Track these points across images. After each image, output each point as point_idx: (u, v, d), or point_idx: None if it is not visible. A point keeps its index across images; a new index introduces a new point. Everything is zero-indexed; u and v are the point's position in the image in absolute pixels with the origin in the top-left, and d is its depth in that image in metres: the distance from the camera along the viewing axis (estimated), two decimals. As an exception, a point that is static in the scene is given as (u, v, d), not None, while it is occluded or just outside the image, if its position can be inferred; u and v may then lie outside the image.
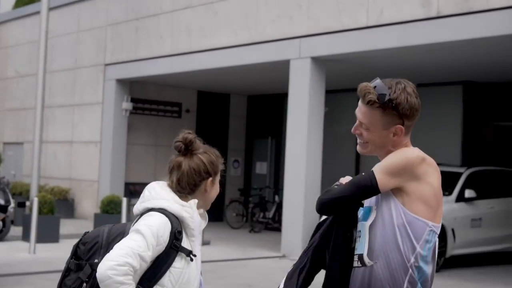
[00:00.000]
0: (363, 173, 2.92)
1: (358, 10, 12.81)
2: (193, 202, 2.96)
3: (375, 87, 2.85)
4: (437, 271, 12.35)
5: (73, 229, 15.86)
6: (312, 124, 13.70)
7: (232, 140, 21.21)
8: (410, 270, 2.80)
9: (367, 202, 2.98)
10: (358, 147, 3.02)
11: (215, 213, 19.69)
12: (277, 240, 15.53)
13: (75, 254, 3.00)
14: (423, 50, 12.33)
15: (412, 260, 2.80)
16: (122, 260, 2.72)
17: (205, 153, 3.01)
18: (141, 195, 3.01)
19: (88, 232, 3.08)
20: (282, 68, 14.88)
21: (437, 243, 2.90)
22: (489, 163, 15.21)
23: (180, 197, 2.96)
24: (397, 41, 12.23)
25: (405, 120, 2.88)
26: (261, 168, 20.99)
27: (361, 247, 2.88)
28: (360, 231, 2.91)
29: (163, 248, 2.83)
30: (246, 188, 20.62)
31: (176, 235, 2.85)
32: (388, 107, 2.83)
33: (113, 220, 14.32)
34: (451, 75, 15.54)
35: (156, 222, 2.83)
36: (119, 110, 18.49)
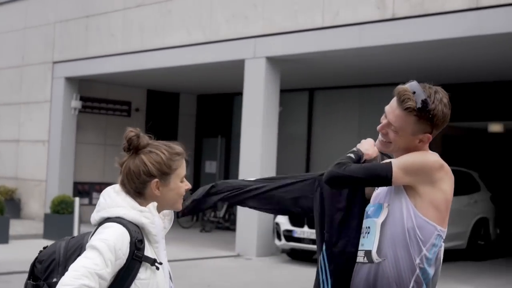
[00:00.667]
0: (382, 162, 2.92)
1: (314, 11, 12.91)
2: (152, 205, 2.74)
3: (414, 92, 2.85)
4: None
5: (22, 230, 15.52)
6: (267, 123, 13.75)
7: (182, 139, 20.85)
8: (417, 270, 2.85)
9: (377, 199, 3.00)
10: (378, 144, 3.00)
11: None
12: (229, 239, 15.53)
13: (32, 274, 2.77)
14: (378, 51, 12.49)
15: (418, 261, 2.85)
16: (77, 283, 2.49)
17: (150, 153, 2.76)
18: (97, 203, 2.80)
19: (44, 248, 2.84)
20: (233, 68, 14.90)
21: (442, 248, 2.96)
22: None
23: (139, 202, 2.75)
24: (353, 42, 12.37)
25: (435, 129, 2.90)
26: (211, 167, 20.96)
27: (369, 243, 2.90)
28: (369, 227, 2.93)
29: (124, 261, 2.62)
30: (196, 187, 20.47)
31: (136, 244, 2.64)
32: (424, 117, 2.84)
33: (64, 221, 14.09)
34: (400, 77, 15.75)
35: (113, 234, 2.61)
36: (67, 109, 18.20)
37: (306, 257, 13.50)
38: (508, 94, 15.26)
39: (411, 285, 2.85)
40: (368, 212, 2.98)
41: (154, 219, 2.73)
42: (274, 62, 13.79)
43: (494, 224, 14.92)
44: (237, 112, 19.80)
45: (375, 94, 17.06)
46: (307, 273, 12.01)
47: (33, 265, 2.77)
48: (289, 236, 13.05)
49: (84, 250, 2.66)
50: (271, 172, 13.81)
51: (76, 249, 2.74)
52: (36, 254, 2.82)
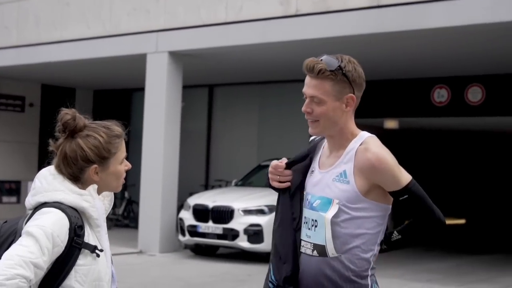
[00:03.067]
0: (413, 182, 2.87)
1: (217, 6, 12.90)
2: (92, 188, 2.60)
3: (321, 60, 2.86)
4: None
5: None
6: (169, 119, 13.64)
7: (78, 136, 20.57)
8: (372, 258, 2.87)
9: (317, 190, 2.91)
10: (310, 130, 2.94)
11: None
12: (130, 237, 15.31)
13: None
14: (281, 47, 12.63)
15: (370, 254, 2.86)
16: (10, 273, 2.33)
17: (88, 137, 2.61)
18: (32, 185, 2.63)
19: None
20: (133, 62, 14.70)
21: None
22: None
23: (77, 186, 2.60)
24: (256, 37, 12.45)
25: (355, 89, 2.87)
26: (108, 164, 20.59)
27: (319, 237, 2.85)
28: (316, 220, 2.87)
29: (62, 249, 2.47)
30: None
31: (76, 231, 2.49)
32: (338, 74, 2.82)
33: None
34: (301, 73, 15.97)
35: (50, 220, 2.45)
36: (-43, 103, 17.44)
37: (210, 252, 13.49)
38: (403, 91, 15.79)
39: (369, 273, 2.86)
40: (314, 204, 2.90)
41: (95, 202, 2.60)
42: (176, 56, 13.69)
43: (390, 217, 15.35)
44: (136, 108, 19.55)
45: (275, 91, 17.25)
46: (212, 268, 12.02)
47: None
48: (193, 232, 12.99)
49: (18, 235, 2.51)
50: (173, 169, 13.71)
51: (10, 234, 2.57)
52: None
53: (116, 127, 2.70)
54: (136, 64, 14.62)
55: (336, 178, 2.86)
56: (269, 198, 12.95)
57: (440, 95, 15.51)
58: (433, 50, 12.58)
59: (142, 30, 13.91)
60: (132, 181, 18.44)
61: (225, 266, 12.27)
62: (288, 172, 3.03)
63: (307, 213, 2.94)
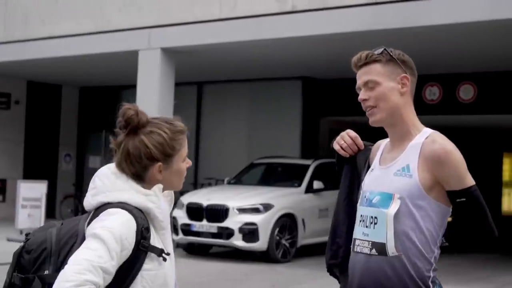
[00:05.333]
0: (476, 187, 2.79)
1: (211, 2, 12.75)
2: (157, 187, 2.46)
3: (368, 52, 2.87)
4: (289, 260, 12.66)
5: None
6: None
7: (64, 134, 20.37)
8: (433, 260, 2.78)
9: (375, 186, 2.85)
10: (370, 120, 2.86)
11: (47, 209, 18.80)
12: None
13: (18, 265, 2.41)
14: (277, 43, 12.52)
15: (430, 254, 2.78)
16: (80, 279, 2.19)
17: (151, 133, 2.46)
18: (91, 185, 2.48)
19: (29, 234, 2.47)
20: (124, 59, 14.51)
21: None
22: (327, 156, 15.76)
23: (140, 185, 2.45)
24: (251, 34, 12.32)
25: (407, 71, 2.82)
26: (95, 162, 20.35)
27: (379, 235, 2.76)
28: (375, 217, 2.78)
29: (130, 252, 2.32)
30: (80, 183, 19.91)
31: (143, 233, 2.35)
32: (386, 56, 2.80)
33: None
34: (292, 71, 15.94)
35: (117, 222, 2.31)
36: None
37: (203, 251, 13.37)
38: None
39: (431, 274, 2.77)
40: (373, 201, 2.81)
41: (160, 203, 2.46)
42: (169, 53, 13.52)
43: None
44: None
45: (266, 88, 17.15)
46: (207, 267, 11.89)
47: (19, 256, 2.42)
48: (187, 230, 12.85)
49: (80, 238, 2.36)
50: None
51: (71, 236, 2.41)
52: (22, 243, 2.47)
53: (179, 123, 2.56)
54: (126, 61, 14.43)
55: (397, 172, 2.77)
56: (264, 196, 12.88)
57: (432, 93, 15.50)
58: (426, 48, 12.54)
59: (134, 26, 13.72)
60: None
61: (220, 265, 12.15)
62: (354, 147, 3.08)
63: (364, 210, 2.85)
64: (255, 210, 12.50)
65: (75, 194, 19.08)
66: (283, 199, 12.94)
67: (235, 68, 15.75)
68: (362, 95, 2.85)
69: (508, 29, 10.72)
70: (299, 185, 13.43)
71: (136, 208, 2.39)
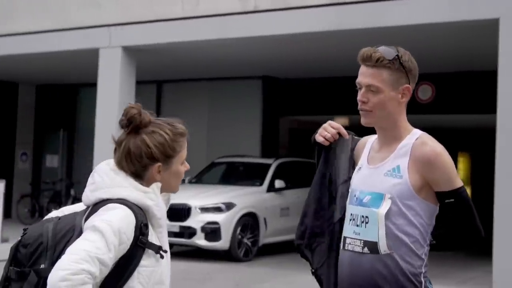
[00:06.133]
0: (464, 188, 2.82)
1: (174, 1, 12.70)
2: (156, 186, 2.50)
3: (378, 49, 2.85)
4: (250, 259, 12.68)
5: None
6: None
7: (21, 132, 20.07)
8: (423, 256, 2.84)
9: (367, 186, 2.88)
10: (362, 119, 2.90)
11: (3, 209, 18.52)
12: (79, 236, 14.97)
13: (14, 259, 2.45)
14: (240, 43, 12.53)
15: (421, 251, 2.84)
16: (76, 268, 2.23)
17: (153, 133, 2.51)
18: (90, 180, 2.51)
19: (27, 229, 2.49)
20: (80, 57, 14.36)
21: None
22: (287, 155, 15.84)
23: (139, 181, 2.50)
24: (213, 33, 12.30)
25: (411, 80, 2.86)
26: (52, 161, 20.10)
27: (370, 233, 2.81)
28: (366, 217, 2.83)
29: (128, 247, 2.36)
30: (37, 182, 19.64)
31: (142, 229, 2.39)
32: (396, 63, 2.81)
33: None
34: (253, 70, 15.97)
35: (117, 216, 2.35)
36: None
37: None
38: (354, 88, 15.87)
39: (423, 270, 2.83)
40: (363, 200, 2.85)
41: (159, 201, 2.49)
42: (130, 52, 13.43)
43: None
44: (83, 104, 19.16)
45: (225, 88, 17.15)
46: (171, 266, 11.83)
47: (16, 249, 2.45)
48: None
49: (77, 233, 2.40)
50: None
51: (68, 231, 2.44)
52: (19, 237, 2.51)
53: (180, 125, 2.63)
54: (85, 59, 14.28)
55: (388, 172, 2.82)
56: (226, 195, 12.88)
57: (391, 92, 15.66)
58: (387, 48, 12.68)
59: (94, 24, 13.58)
60: (77, 178, 18.09)
61: (181, 264, 12.10)
62: (336, 135, 3.11)
63: (354, 209, 2.89)
64: (217, 209, 12.50)
65: (32, 194, 18.82)
66: (245, 198, 12.96)
67: (195, 66, 15.71)
68: (361, 96, 2.88)
69: (466, 30, 10.91)
70: (261, 184, 13.47)
71: (135, 204, 2.43)
